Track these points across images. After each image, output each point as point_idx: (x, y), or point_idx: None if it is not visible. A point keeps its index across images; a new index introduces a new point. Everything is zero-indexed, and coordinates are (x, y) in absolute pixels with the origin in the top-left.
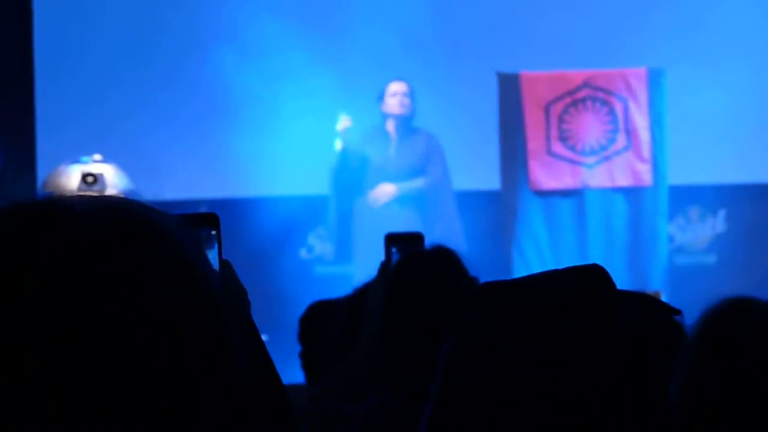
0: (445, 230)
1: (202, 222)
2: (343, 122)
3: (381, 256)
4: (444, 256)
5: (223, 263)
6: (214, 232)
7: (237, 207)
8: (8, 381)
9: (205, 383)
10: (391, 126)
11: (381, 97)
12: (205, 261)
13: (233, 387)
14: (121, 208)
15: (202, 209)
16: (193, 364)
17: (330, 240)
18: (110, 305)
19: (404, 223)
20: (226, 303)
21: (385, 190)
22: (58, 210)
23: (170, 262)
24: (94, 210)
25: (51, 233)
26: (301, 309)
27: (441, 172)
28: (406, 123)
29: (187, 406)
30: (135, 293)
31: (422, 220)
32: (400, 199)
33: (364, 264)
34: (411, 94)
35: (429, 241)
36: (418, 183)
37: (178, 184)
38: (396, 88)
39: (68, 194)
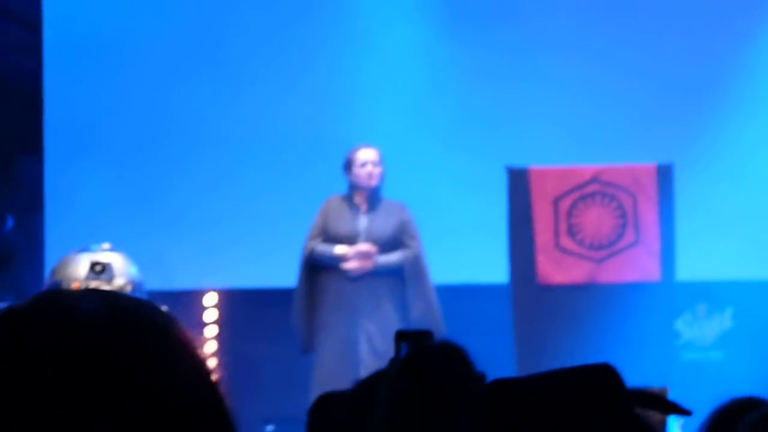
0: (425, 310)
1: None
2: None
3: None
4: (451, 351)
5: None
6: None
7: (243, 298)
8: None
9: None
10: (360, 198)
11: (348, 166)
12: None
13: None
14: (128, 312)
15: (209, 299)
16: None
17: (299, 324)
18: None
19: (382, 299)
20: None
21: (363, 250)
22: (64, 312)
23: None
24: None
25: (54, 339)
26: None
27: (418, 246)
28: (377, 194)
29: None
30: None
31: (401, 298)
32: (376, 274)
33: (334, 349)
34: (381, 161)
35: (409, 321)
36: (395, 257)
37: (185, 274)
38: (365, 156)
39: (76, 284)
